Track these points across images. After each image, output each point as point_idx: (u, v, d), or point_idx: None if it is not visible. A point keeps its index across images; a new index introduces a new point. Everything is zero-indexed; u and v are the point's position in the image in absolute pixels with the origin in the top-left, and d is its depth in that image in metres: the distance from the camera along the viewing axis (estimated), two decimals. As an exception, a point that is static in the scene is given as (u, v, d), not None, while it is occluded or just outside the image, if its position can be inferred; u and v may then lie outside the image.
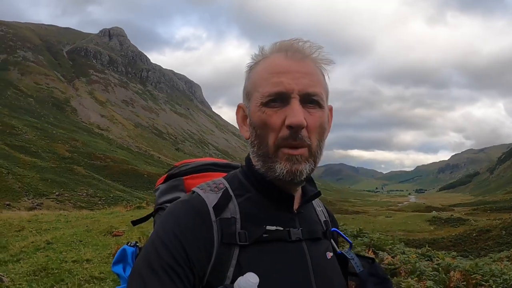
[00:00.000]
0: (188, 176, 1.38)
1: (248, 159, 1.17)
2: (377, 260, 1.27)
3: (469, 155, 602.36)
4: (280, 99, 1.04)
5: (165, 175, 1.45)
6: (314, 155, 1.08)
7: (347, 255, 1.25)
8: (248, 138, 1.13)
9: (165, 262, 0.95)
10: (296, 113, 1.01)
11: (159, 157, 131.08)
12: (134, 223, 1.50)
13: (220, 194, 1.09)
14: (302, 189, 1.19)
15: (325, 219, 1.30)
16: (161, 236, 1.00)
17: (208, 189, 1.11)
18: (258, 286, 0.97)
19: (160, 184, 1.43)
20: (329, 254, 1.19)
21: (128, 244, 1.35)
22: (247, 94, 1.13)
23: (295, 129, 1.01)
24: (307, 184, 1.21)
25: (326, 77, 1.13)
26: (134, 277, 0.98)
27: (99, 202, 46.13)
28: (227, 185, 1.13)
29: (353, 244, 1.30)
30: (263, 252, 1.04)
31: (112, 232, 10.65)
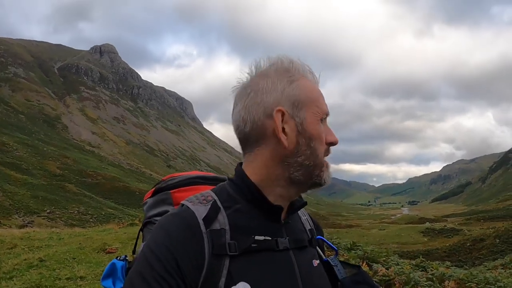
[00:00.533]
0: (176, 190, 1.38)
1: (240, 172, 1.19)
2: (371, 272, 1.31)
3: (461, 166, 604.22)
4: (324, 119, 1.19)
5: (153, 189, 1.45)
6: None
7: (331, 262, 1.28)
8: (288, 147, 1.13)
9: (158, 274, 0.98)
10: (333, 133, 1.20)
11: (151, 174, 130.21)
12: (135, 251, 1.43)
13: (209, 206, 1.11)
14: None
15: (310, 227, 1.33)
16: (153, 249, 1.03)
17: (197, 201, 1.13)
18: None
19: (148, 198, 1.44)
20: (315, 262, 1.23)
21: (118, 258, 1.36)
22: (297, 103, 1.15)
23: (332, 145, 1.19)
24: None
25: None
26: None
27: (91, 220, 45.75)
28: (216, 197, 1.14)
29: (338, 251, 1.38)
30: (252, 261, 1.07)
31: (106, 249, 10.58)
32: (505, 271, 13.67)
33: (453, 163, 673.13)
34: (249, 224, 1.12)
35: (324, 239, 1.38)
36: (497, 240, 46.49)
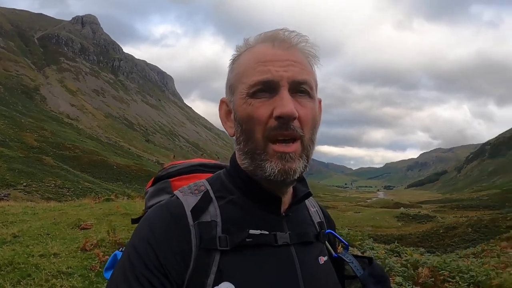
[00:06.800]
0: (176, 178, 1.31)
1: (233, 159, 1.11)
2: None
3: (438, 154, 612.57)
4: (267, 89, 0.97)
5: (153, 178, 1.39)
6: (306, 150, 1.00)
7: (345, 258, 1.17)
8: (233, 135, 1.05)
9: (139, 272, 0.91)
10: (286, 102, 0.94)
11: (129, 148, 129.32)
12: (134, 221, 1.33)
13: (199, 197, 1.04)
14: (293, 189, 1.12)
15: (319, 220, 1.22)
16: (135, 245, 0.96)
17: (188, 191, 1.06)
18: None
19: (149, 187, 1.37)
20: (322, 259, 1.11)
21: (120, 250, 1.28)
22: (231, 87, 1.05)
23: (285, 120, 0.94)
24: (298, 183, 1.13)
25: (315, 68, 1.06)
26: None
27: (68, 194, 45.22)
28: (209, 187, 1.07)
29: (349, 246, 1.26)
30: (246, 258, 0.97)
31: (80, 225, 10.43)
32: (476, 260, 13.90)
33: (430, 151, 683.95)
34: (244, 217, 1.02)
35: (335, 233, 1.25)
36: (470, 229, 47.44)
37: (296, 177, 0.99)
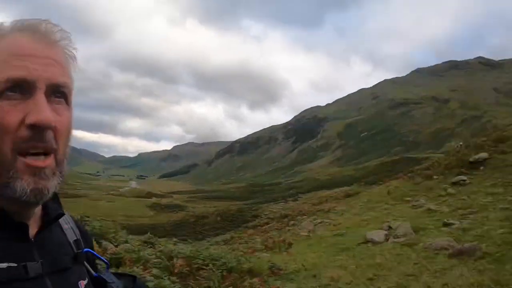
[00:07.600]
0: None
1: None
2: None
3: (190, 148, 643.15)
4: (21, 89, 0.80)
5: None
6: (60, 165, 0.86)
7: (106, 279, 1.06)
8: None
9: None
10: (42, 109, 0.79)
11: None
12: None
13: None
14: (43, 208, 0.95)
15: (76, 238, 1.05)
16: None
17: None
18: None
19: None
20: (83, 283, 0.97)
21: None
22: None
23: (40, 129, 0.79)
24: (50, 201, 0.93)
25: (73, 73, 0.91)
26: None
27: None
28: None
29: (110, 263, 1.19)
30: None
31: None
32: (227, 247, 14.73)
33: (183, 144, 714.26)
34: None
35: (93, 252, 1.11)
36: (219, 218, 50.95)
37: (49, 197, 0.84)
